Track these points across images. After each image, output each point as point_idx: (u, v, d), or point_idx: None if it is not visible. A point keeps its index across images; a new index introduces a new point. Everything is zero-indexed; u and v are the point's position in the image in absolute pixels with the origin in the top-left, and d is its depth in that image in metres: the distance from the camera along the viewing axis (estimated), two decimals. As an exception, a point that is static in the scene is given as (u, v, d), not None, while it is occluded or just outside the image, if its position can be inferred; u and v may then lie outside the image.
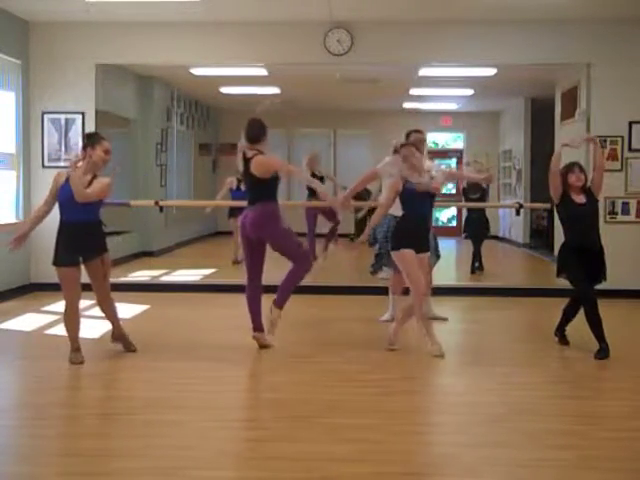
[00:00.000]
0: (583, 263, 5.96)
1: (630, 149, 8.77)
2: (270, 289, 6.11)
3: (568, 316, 6.29)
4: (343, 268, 12.28)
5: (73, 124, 8.86)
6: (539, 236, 14.78)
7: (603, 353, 5.83)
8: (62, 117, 8.89)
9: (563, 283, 6.40)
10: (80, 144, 6.10)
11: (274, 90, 12.78)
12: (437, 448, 4.09)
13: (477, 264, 10.86)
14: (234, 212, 10.56)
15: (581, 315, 6.05)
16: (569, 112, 10.87)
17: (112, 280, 5.93)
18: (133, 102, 12.41)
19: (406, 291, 6.21)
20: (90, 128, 8.59)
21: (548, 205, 9.52)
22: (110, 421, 4.48)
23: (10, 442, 4.17)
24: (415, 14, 8.53)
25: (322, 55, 8.88)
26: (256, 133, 6.04)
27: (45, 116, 8.91)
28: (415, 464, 3.78)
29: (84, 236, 5.60)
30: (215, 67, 10.44)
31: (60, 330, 6.37)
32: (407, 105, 15.24)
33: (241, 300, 6.22)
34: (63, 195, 5.60)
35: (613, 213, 8.75)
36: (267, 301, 6.26)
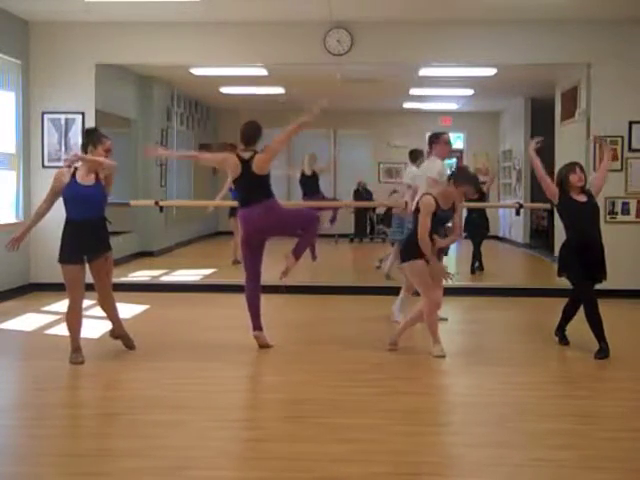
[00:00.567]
0: (584, 262, 5.97)
1: (630, 149, 8.77)
2: (269, 289, 6.11)
3: (568, 315, 6.30)
4: (343, 268, 12.28)
5: (73, 124, 8.86)
6: (539, 236, 14.78)
7: (603, 353, 5.83)
8: (62, 117, 8.89)
9: (563, 283, 6.41)
10: (80, 144, 6.06)
11: (276, 90, 12.80)
12: (437, 448, 4.09)
13: (477, 264, 10.87)
14: (234, 212, 10.55)
15: (581, 315, 6.05)
16: (569, 112, 10.87)
17: (112, 280, 5.93)
18: (133, 102, 12.41)
19: (418, 292, 6.19)
20: (90, 128, 8.59)
21: (548, 205, 9.50)
22: (110, 421, 4.48)
23: (10, 442, 4.17)
24: (415, 14, 8.53)
25: (322, 55, 8.88)
26: (253, 134, 6.09)
27: (45, 116, 8.91)
28: (415, 464, 3.78)
29: (90, 234, 5.61)
30: (215, 67, 10.44)
31: (60, 330, 6.37)
32: (407, 105, 15.23)
33: (241, 300, 6.22)
34: (70, 193, 5.59)
35: (613, 213, 8.75)
36: (266, 301, 6.27)
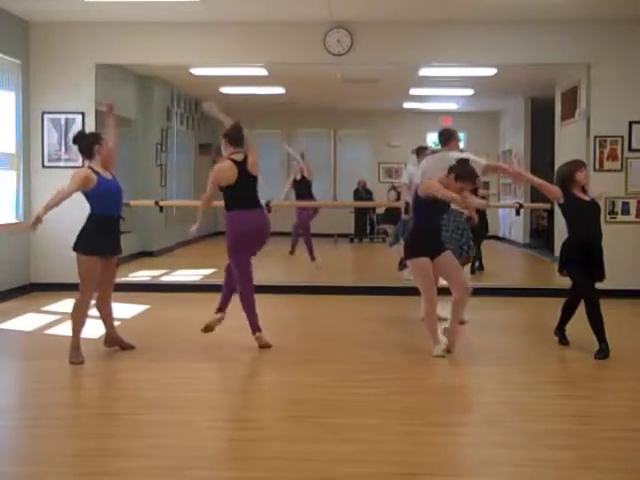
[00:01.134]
0: (584, 261, 5.96)
1: (630, 149, 8.76)
2: (266, 289, 6.10)
3: (567, 314, 6.29)
4: (343, 268, 12.28)
5: (73, 124, 8.85)
6: (539, 236, 14.78)
7: (603, 353, 5.83)
8: (62, 117, 8.89)
9: (562, 283, 6.41)
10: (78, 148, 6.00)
11: (277, 90, 12.80)
12: (437, 448, 4.08)
13: (477, 264, 10.87)
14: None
15: (581, 315, 6.05)
16: (569, 112, 10.87)
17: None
18: (133, 102, 12.41)
19: (439, 291, 6.14)
20: (90, 128, 8.54)
21: (548, 205, 9.54)
22: (110, 421, 4.48)
23: (11, 442, 4.17)
24: (415, 14, 8.53)
25: (322, 55, 8.88)
26: (241, 135, 6.15)
27: (45, 116, 8.91)
28: (415, 464, 3.78)
29: (117, 231, 5.75)
30: (215, 67, 10.45)
31: (60, 330, 6.38)
32: (407, 105, 15.24)
33: (241, 300, 6.22)
34: (105, 189, 5.62)
35: (613, 213, 8.74)
36: (266, 301, 6.27)
